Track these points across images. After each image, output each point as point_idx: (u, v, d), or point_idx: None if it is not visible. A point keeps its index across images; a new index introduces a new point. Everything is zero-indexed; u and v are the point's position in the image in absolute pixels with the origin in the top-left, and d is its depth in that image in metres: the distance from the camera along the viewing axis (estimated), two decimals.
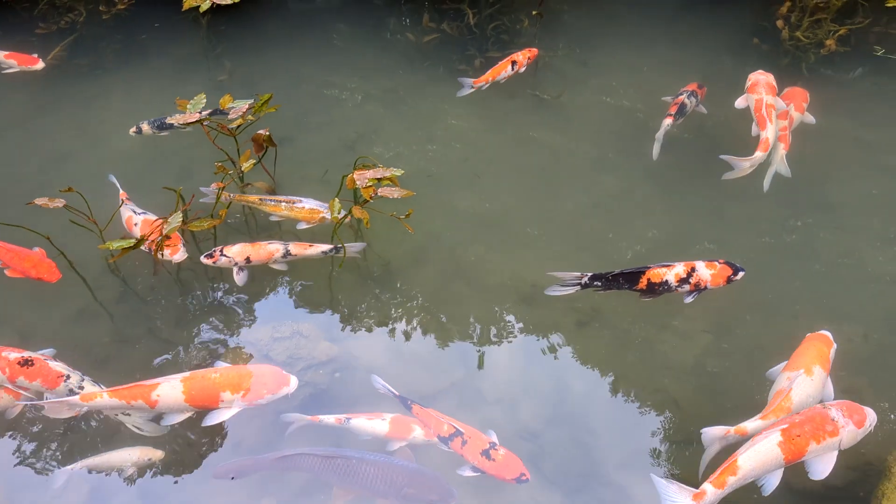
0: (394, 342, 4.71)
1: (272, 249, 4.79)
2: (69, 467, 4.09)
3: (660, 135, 5.68)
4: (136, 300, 4.83)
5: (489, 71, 6.12)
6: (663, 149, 5.75)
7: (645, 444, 4.29)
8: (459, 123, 6.18)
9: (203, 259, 4.75)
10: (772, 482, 3.63)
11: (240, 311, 4.76)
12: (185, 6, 6.41)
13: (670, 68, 6.41)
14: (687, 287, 4.51)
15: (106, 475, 4.12)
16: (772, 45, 6.15)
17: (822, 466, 3.60)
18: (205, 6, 6.36)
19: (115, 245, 4.48)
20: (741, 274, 4.57)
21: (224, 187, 4.86)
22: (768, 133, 5.28)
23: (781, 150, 5.35)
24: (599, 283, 4.51)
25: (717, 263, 4.57)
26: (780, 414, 3.80)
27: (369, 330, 4.73)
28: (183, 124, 5.15)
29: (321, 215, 4.95)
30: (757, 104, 5.43)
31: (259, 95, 4.83)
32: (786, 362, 4.11)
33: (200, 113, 4.68)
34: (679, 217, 5.38)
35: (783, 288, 4.86)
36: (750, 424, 3.82)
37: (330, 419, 4.15)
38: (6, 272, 4.76)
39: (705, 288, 4.54)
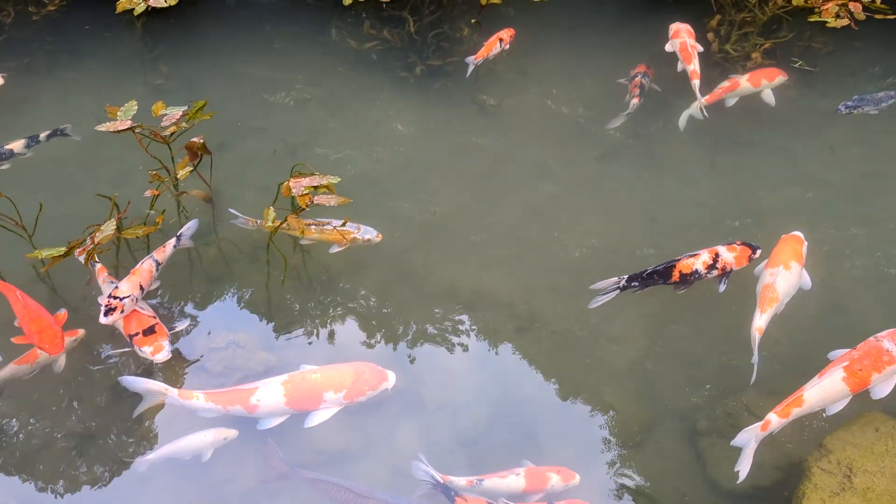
0: (334, 350, 4.69)
1: (147, 267, 4.56)
2: (150, 456, 4.01)
3: (630, 111, 6.08)
4: (66, 310, 4.69)
5: (483, 48, 6.33)
6: (602, 158, 5.89)
7: (582, 447, 4.37)
8: (401, 130, 6.20)
9: (105, 319, 4.25)
10: (838, 408, 3.97)
11: (174, 322, 4.66)
12: (119, 9, 6.30)
13: (607, 77, 6.54)
14: (715, 272, 4.71)
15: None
16: (702, 56, 6.32)
17: (884, 389, 3.99)
18: (139, 9, 6.27)
19: (45, 254, 4.36)
20: (759, 252, 4.81)
21: (158, 195, 4.78)
22: (694, 65, 6.06)
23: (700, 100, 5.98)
24: (637, 283, 4.64)
25: (736, 246, 4.81)
26: (773, 304, 4.47)
27: (308, 338, 4.71)
28: (22, 151, 5.27)
29: (352, 236, 4.85)
30: (682, 46, 6.23)
31: (193, 102, 4.75)
32: (767, 260, 4.74)
33: (132, 121, 4.59)
34: (617, 223, 5.49)
35: (717, 295, 5.00)
36: (757, 321, 4.42)
37: (461, 482, 3.98)
38: (16, 338, 4.32)
39: (731, 271, 4.74)
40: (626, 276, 4.64)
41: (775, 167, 5.87)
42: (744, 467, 3.84)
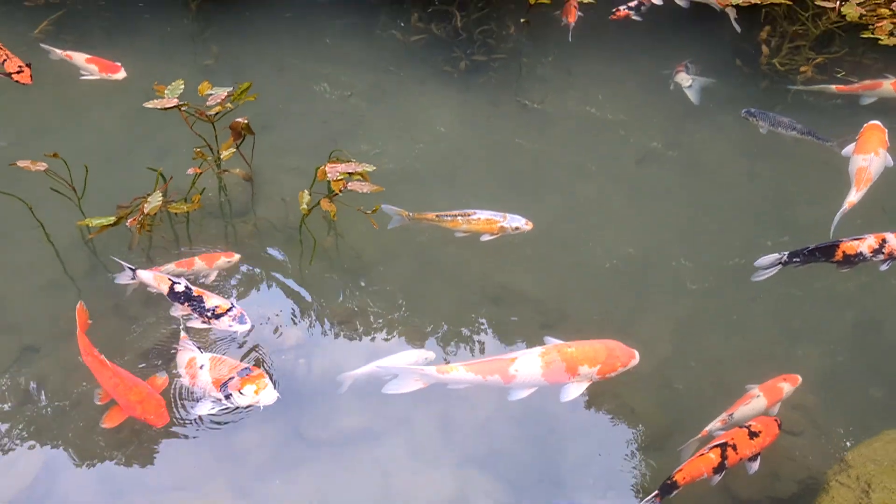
0: (361, 334, 4.75)
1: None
2: (354, 371, 4.21)
3: (687, 85, 6.36)
4: (105, 275, 4.83)
5: (569, 7, 6.76)
6: (641, 162, 5.89)
7: (602, 448, 4.36)
8: (442, 124, 6.25)
9: (246, 324, 4.30)
10: None
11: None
12: None
13: (653, 82, 6.51)
14: (881, 256, 4.74)
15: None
16: (752, 67, 6.27)
17: None
18: None
19: (96, 222, 4.50)
20: None
21: (201, 173, 4.89)
22: None
23: None
24: (798, 259, 4.72)
25: None
26: (868, 184, 5.14)
27: (337, 320, 4.77)
28: None
29: (499, 225, 4.97)
30: None
31: (238, 84, 4.86)
32: (854, 144, 5.39)
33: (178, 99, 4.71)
34: (653, 229, 5.46)
35: (748, 307, 4.96)
36: (851, 197, 5.08)
37: (717, 424, 4.13)
38: (105, 419, 4.01)
39: None
40: (787, 253, 4.73)
41: (817, 181, 5.79)
42: None
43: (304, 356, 4.53)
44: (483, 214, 5.01)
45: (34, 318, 4.60)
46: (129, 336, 4.55)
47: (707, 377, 4.62)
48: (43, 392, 4.31)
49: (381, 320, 4.82)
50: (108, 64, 6.02)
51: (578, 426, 4.48)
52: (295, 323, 4.70)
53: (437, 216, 5.02)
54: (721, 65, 6.55)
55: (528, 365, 4.11)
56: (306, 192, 4.62)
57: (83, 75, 6.01)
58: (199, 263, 4.71)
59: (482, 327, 4.87)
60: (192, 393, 4.18)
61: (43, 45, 6.18)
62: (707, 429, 4.13)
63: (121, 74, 6.01)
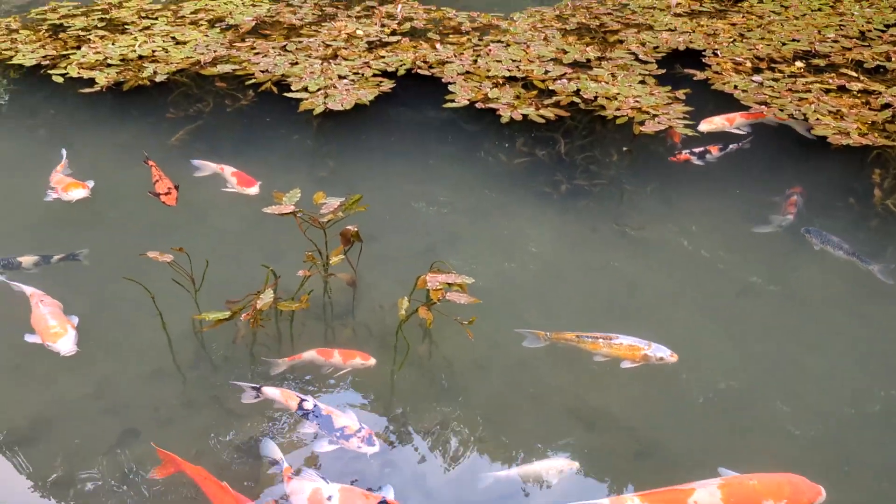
0: (445, 446, 4.72)
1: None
2: (498, 472, 4.38)
3: (783, 223, 6.28)
4: (208, 366, 5.05)
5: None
6: (742, 294, 5.78)
7: None
8: (538, 244, 6.36)
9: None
10: None
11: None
12: (301, 108, 7.05)
13: (757, 216, 6.46)
14: None
15: None
16: (864, 205, 6.16)
17: None
18: (318, 110, 6.97)
19: (211, 316, 4.77)
20: None
21: (310, 276, 5.13)
22: None
23: None
24: None
25: None
26: None
27: (421, 429, 4.77)
28: (29, 266, 5.54)
29: (643, 353, 5.00)
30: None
31: (350, 195, 5.17)
32: None
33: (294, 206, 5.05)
34: (751, 367, 5.28)
35: (857, 458, 4.66)
36: None
37: None
38: None
39: None
40: None
41: None
42: None
43: (387, 464, 4.52)
44: (626, 340, 4.98)
45: (138, 402, 4.81)
46: (224, 430, 4.68)
47: None
48: (139, 475, 4.44)
49: (466, 435, 4.77)
50: (247, 178, 6.46)
51: None
52: (379, 429, 4.72)
53: (576, 336, 5.03)
54: (833, 201, 6.46)
55: (707, 497, 4.00)
56: (406, 298, 4.77)
57: (226, 186, 6.48)
58: (336, 357, 4.93)
59: (574, 452, 4.73)
60: None
61: (195, 162, 6.70)
62: None
63: (254, 190, 6.38)
